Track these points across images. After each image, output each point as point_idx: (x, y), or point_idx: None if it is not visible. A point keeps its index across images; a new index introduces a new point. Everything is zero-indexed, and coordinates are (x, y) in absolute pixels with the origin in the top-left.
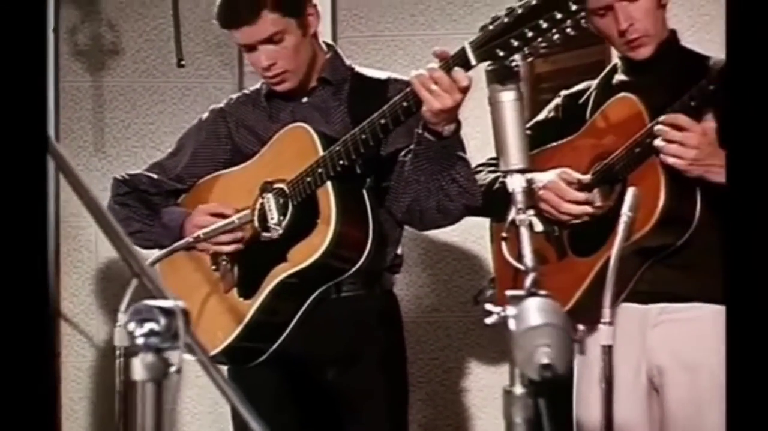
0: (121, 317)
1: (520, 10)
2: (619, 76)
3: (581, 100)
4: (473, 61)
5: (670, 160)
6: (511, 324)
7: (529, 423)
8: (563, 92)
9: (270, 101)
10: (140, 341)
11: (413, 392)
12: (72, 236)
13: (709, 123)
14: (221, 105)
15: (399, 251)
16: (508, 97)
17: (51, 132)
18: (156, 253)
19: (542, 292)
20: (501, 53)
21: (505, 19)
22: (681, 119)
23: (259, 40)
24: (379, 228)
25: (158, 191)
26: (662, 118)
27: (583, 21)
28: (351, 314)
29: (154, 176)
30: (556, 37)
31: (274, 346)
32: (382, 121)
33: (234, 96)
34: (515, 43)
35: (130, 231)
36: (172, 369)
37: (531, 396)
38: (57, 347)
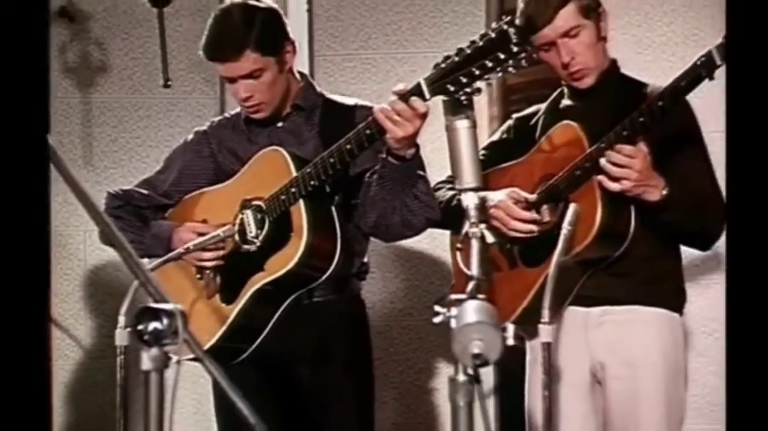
0: (121, 320)
1: (468, 51)
2: (566, 101)
3: (531, 123)
4: (427, 96)
5: (613, 185)
6: (452, 323)
7: (469, 406)
8: (515, 115)
9: (248, 125)
10: (147, 337)
11: (387, 391)
12: (62, 244)
13: (644, 148)
14: (204, 127)
15: (365, 260)
16: (461, 125)
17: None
18: (146, 261)
19: (481, 296)
20: (452, 89)
21: (456, 58)
22: (627, 148)
23: (240, 75)
24: (347, 240)
25: (148, 205)
26: (610, 151)
27: (523, 61)
28: (322, 318)
29: (144, 191)
30: (499, 74)
31: (253, 346)
32: (348, 146)
33: (216, 119)
34: (464, 80)
35: (129, 236)
36: (173, 360)
37: (471, 383)
38: (48, 351)
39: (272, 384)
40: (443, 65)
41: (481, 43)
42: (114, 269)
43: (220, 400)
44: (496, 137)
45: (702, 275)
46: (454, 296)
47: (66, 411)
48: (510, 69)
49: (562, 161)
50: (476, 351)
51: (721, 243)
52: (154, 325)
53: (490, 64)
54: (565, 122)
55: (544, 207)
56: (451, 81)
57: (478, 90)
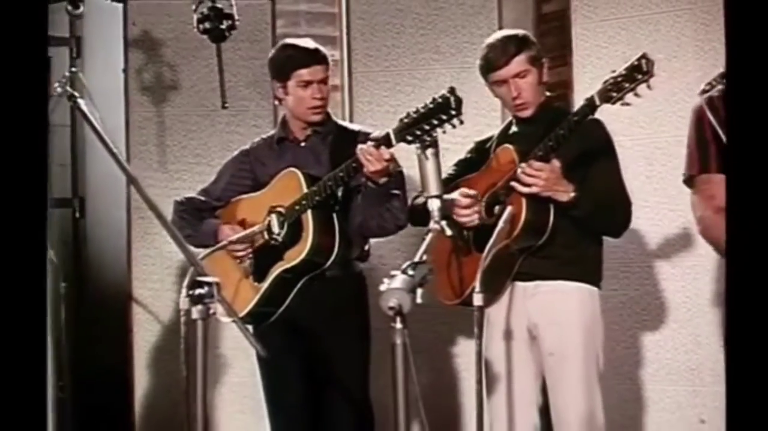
0: (183, 292)
1: (422, 111)
2: (513, 128)
3: (487, 146)
4: (394, 143)
5: (524, 189)
6: (382, 287)
7: (404, 346)
8: (476, 139)
9: (280, 144)
10: (195, 297)
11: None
12: (141, 236)
13: (555, 163)
14: (247, 147)
15: (366, 247)
16: (427, 155)
17: (123, 154)
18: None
19: (411, 273)
20: (410, 138)
21: (414, 115)
22: (535, 164)
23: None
24: (345, 237)
25: (205, 208)
26: (523, 164)
27: (458, 121)
28: (331, 288)
29: (203, 198)
30: (443, 130)
31: (279, 311)
32: (341, 174)
33: (256, 140)
34: (418, 133)
35: (184, 234)
36: (211, 312)
37: (403, 327)
38: (129, 324)
39: (294, 337)
40: (405, 121)
41: (431, 107)
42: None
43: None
44: (463, 156)
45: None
46: (392, 272)
47: (147, 374)
48: (450, 125)
49: (502, 174)
50: (390, 304)
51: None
52: (199, 291)
53: (435, 122)
54: (505, 145)
55: (497, 207)
56: (409, 133)
57: (431, 139)
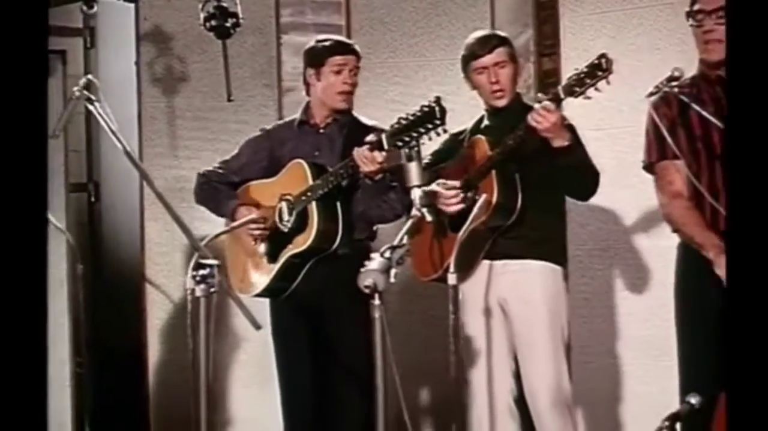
0: (189, 272)
1: (410, 118)
2: (485, 122)
3: (460, 137)
4: (386, 146)
5: (537, 125)
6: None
7: (381, 319)
8: (450, 132)
9: (300, 128)
10: (199, 277)
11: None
12: (154, 219)
13: (560, 113)
14: (269, 127)
15: (375, 228)
16: (412, 154)
17: (135, 141)
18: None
19: (387, 254)
20: (399, 144)
21: (403, 122)
22: (548, 105)
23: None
24: (349, 224)
25: (223, 181)
26: (537, 105)
27: (442, 130)
28: (339, 264)
29: (221, 170)
30: (428, 137)
31: (292, 287)
32: (341, 171)
33: (279, 122)
34: (406, 139)
35: (207, 206)
36: (212, 290)
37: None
38: (143, 303)
39: (306, 310)
40: (396, 127)
41: (419, 115)
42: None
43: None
44: (438, 147)
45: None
46: (372, 255)
47: (160, 351)
48: (435, 133)
49: (475, 162)
50: (366, 283)
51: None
52: (201, 272)
53: (422, 130)
54: (478, 136)
55: (469, 193)
56: (399, 139)
57: (417, 146)
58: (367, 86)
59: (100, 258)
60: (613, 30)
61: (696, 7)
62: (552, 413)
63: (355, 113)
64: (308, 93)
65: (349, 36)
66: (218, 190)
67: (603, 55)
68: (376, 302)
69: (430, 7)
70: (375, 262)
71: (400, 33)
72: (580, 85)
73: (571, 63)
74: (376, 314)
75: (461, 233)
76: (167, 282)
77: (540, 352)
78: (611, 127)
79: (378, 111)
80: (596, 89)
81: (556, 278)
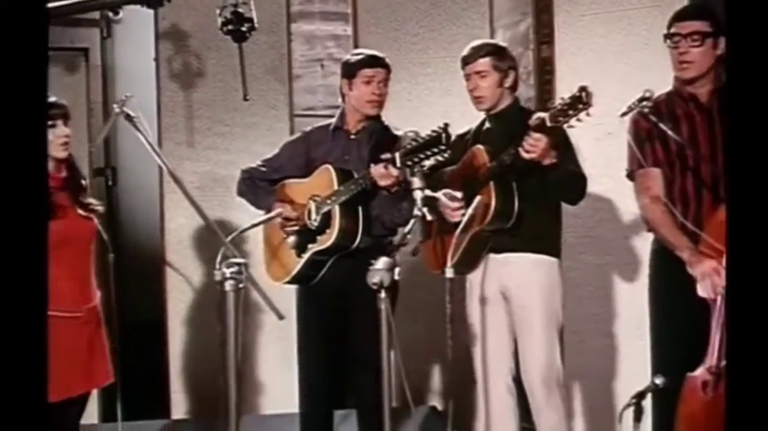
0: (218, 265)
1: (420, 141)
2: (486, 124)
3: (465, 138)
4: (398, 164)
5: (529, 156)
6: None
7: (387, 311)
8: (456, 134)
9: (334, 133)
10: (228, 274)
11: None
12: (174, 206)
13: (545, 138)
14: (308, 130)
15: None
16: (415, 178)
17: (154, 134)
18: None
19: (393, 254)
20: (409, 163)
21: (413, 143)
22: (536, 134)
23: None
24: (368, 225)
25: (263, 177)
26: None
27: (447, 154)
28: (363, 256)
29: (263, 168)
30: (433, 160)
31: (318, 276)
32: (361, 181)
33: (317, 125)
34: (415, 160)
35: (247, 198)
36: (240, 285)
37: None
38: (164, 285)
39: (329, 297)
40: (407, 148)
41: (427, 139)
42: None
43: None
44: None
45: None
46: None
47: (181, 333)
48: (439, 157)
49: (475, 170)
50: (374, 281)
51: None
52: (231, 270)
53: (429, 153)
54: (477, 146)
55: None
56: (408, 159)
57: (423, 166)
58: None
59: (119, 241)
60: (603, 30)
61: (672, 30)
62: (543, 389)
63: (384, 120)
64: (343, 101)
65: (355, 37)
66: (258, 186)
67: (583, 88)
68: (382, 295)
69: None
70: (381, 262)
71: (403, 32)
72: (564, 116)
73: (564, 60)
74: (382, 306)
75: (456, 238)
76: (187, 265)
77: (535, 335)
78: (607, 123)
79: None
80: (578, 120)
81: (551, 270)
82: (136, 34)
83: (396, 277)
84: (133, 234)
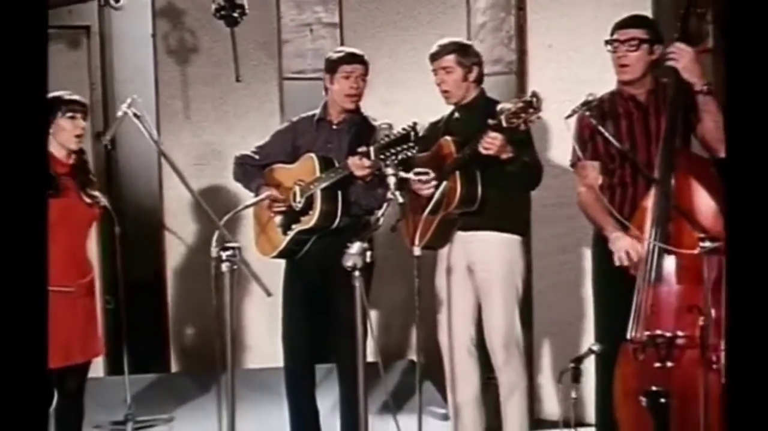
0: (213, 242)
1: (390, 138)
2: (456, 114)
3: (438, 125)
4: (372, 157)
5: (488, 152)
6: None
7: (360, 289)
8: (430, 121)
9: (318, 123)
10: (224, 257)
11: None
12: (171, 174)
13: (500, 135)
14: (295, 119)
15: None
16: (388, 168)
17: (153, 107)
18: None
19: (362, 241)
20: (381, 157)
21: (386, 139)
22: (492, 133)
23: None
24: (346, 208)
25: (255, 164)
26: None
27: (415, 149)
28: (343, 235)
29: (255, 156)
30: (403, 155)
31: (302, 251)
32: (339, 170)
33: (303, 115)
34: (387, 154)
35: (240, 182)
36: (234, 267)
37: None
38: (162, 248)
39: (312, 270)
40: (381, 143)
41: (398, 137)
42: (207, 193)
43: (284, 284)
44: (422, 133)
45: None
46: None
47: (176, 290)
48: (408, 153)
49: (443, 158)
50: (348, 264)
51: None
52: (227, 253)
53: (399, 149)
54: (445, 137)
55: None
56: (381, 154)
57: (397, 161)
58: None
59: (119, 204)
60: None
61: (614, 37)
62: (504, 351)
63: (363, 112)
64: (326, 94)
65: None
66: (249, 171)
67: (534, 94)
68: (356, 274)
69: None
70: (354, 247)
71: (385, 11)
72: (517, 118)
73: (536, 20)
74: (356, 284)
75: (422, 220)
76: (184, 229)
77: (497, 304)
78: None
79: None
80: (530, 122)
81: (512, 246)
82: (134, 12)
83: (368, 260)
84: (134, 198)
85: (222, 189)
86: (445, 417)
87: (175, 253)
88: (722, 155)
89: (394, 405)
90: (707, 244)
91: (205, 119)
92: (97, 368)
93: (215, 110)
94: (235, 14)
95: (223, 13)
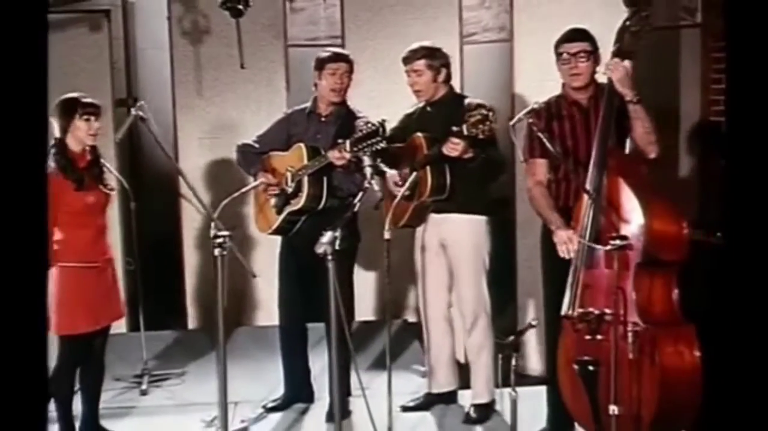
0: (212, 226)
1: (361, 134)
2: (427, 108)
3: (414, 117)
4: (348, 149)
5: (451, 153)
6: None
7: (333, 271)
8: (405, 112)
9: (308, 115)
10: (216, 244)
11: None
12: (187, 146)
13: (462, 142)
14: (290, 111)
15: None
16: (365, 158)
17: (168, 85)
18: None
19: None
20: (356, 149)
21: (359, 134)
22: (455, 139)
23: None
24: (331, 192)
25: (255, 151)
26: (449, 139)
27: (384, 144)
28: (329, 212)
29: (256, 144)
30: (374, 148)
31: (294, 229)
32: (322, 160)
33: (296, 107)
34: (360, 146)
35: (242, 167)
36: (225, 252)
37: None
38: (179, 213)
39: (302, 245)
40: (355, 137)
41: (368, 132)
42: (218, 165)
43: (281, 264)
44: (396, 124)
45: None
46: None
47: (193, 256)
48: (377, 147)
49: (416, 153)
50: (320, 251)
51: None
52: (219, 241)
53: (370, 143)
54: (418, 133)
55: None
56: (356, 147)
57: (370, 152)
58: (357, 41)
59: (141, 170)
60: None
61: (561, 49)
62: (472, 317)
63: (350, 105)
64: (315, 89)
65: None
66: (249, 157)
67: (490, 108)
68: (329, 258)
69: None
70: (326, 237)
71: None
72: (475, 128)
73: None
74: (330, 266)
75: (395, 204)
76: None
77: (466, 276)
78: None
79: (366, 60)
80: (482, 134)
81: (479, 226)
82: None
83: (337, 247)
84: (153, 164)
85: (232, 162)
86: (425, 375)
87: (190, 219)
88: (653, 155)
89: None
90: (617, 242)
91: (216, 96)
92: (121, 324)
93: (226, 88)
94: (240, 6)
95: (228, 5)
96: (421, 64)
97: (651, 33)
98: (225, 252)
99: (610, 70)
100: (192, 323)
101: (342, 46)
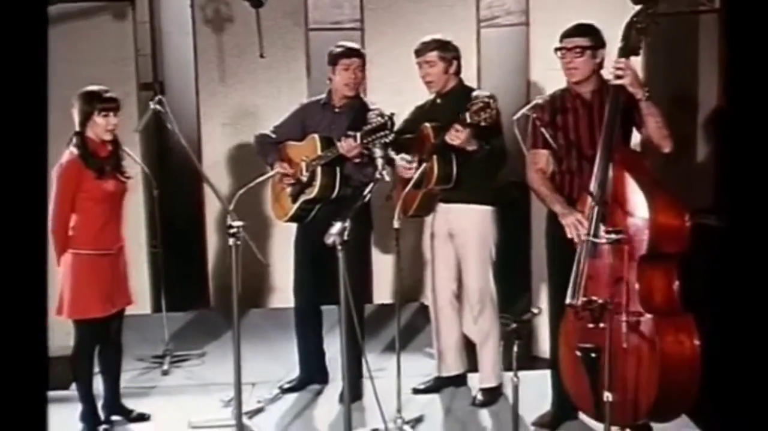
0: (229, 217)
1: (372, 125)
2: (438, 100)
3: (425, 109)
4: (359, 141)
5: (454, 141)
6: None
7: (343, 260)
8: (417, 104)
9: (323, 107)
10: (230, 234)
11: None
12: (209, 131)
13: (468, 131)
14: (305, 102)
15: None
16: (376, 149)
17: (191, 72)
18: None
19: (346, 221)
20: (365, 141)
21: (368, 127)
22: (457, 127)
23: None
24: (344, 182)
25: (272, 141)
26: (454, 128)
27: (392, 136)
28: (343, 202)
29: (273, 135)
30: (383, 141)
31: (310, 216)
32: (334, 150)
33: (312, 99)
34: (371, 138)
35: (260, 156)
36: (238, 243)
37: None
38: (201, 198)
39: (317, 231)
40: (365, 130)
41: (377, 125)
42: (240, 149)
43: (296, 250)
44: (408, 116)
45: None
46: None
47: (215, 238)
48: (386, 139)
49: (425, 143)
50: (329, 242)
51: None
52: (233, 230)
53: (379, 136)
54: (426, 124)
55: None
56: (365, 139)
57: (380, 143)
58: (375, 30)
59: (165, 157)
60: None
61: (560, 45)
62: (478, 304)
63: (363, 97)
64: (330, 82)
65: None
66: (267, 146)
67: (491, 96)
68: (339, 247)
69: None
70: (335, 228)
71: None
72: (477, 116)
73: None
74: (340, 255)
75: (403, 196)
76: (221, 181)
77: (472, 264)
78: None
79: (384, 48)
80: (485, 121)
81: (485, 215)
82: None
83: (345, 238)
84: (177, 152)
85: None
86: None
87: (212, 203)
88: (668, 149)
89: (401, 343)
90: (611, 236)
91: (239, 82)
92: (145, 305)
93: (248, 75)
94: None
95: None
96: (433, 55)
97: (656, 27)
98: (239, 242)
99: (620, 75)
100: (214, 303)
101: (362, 30)
